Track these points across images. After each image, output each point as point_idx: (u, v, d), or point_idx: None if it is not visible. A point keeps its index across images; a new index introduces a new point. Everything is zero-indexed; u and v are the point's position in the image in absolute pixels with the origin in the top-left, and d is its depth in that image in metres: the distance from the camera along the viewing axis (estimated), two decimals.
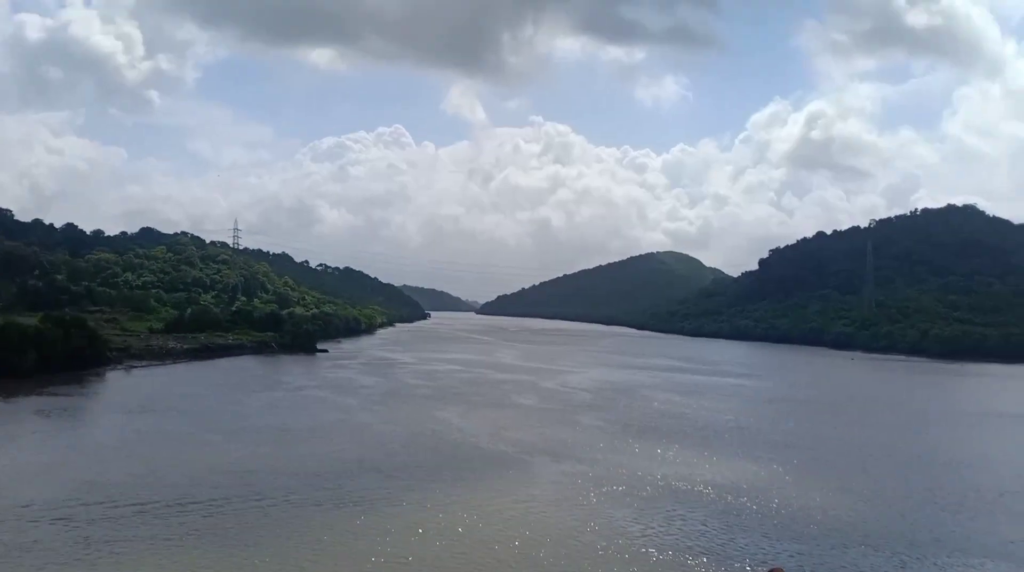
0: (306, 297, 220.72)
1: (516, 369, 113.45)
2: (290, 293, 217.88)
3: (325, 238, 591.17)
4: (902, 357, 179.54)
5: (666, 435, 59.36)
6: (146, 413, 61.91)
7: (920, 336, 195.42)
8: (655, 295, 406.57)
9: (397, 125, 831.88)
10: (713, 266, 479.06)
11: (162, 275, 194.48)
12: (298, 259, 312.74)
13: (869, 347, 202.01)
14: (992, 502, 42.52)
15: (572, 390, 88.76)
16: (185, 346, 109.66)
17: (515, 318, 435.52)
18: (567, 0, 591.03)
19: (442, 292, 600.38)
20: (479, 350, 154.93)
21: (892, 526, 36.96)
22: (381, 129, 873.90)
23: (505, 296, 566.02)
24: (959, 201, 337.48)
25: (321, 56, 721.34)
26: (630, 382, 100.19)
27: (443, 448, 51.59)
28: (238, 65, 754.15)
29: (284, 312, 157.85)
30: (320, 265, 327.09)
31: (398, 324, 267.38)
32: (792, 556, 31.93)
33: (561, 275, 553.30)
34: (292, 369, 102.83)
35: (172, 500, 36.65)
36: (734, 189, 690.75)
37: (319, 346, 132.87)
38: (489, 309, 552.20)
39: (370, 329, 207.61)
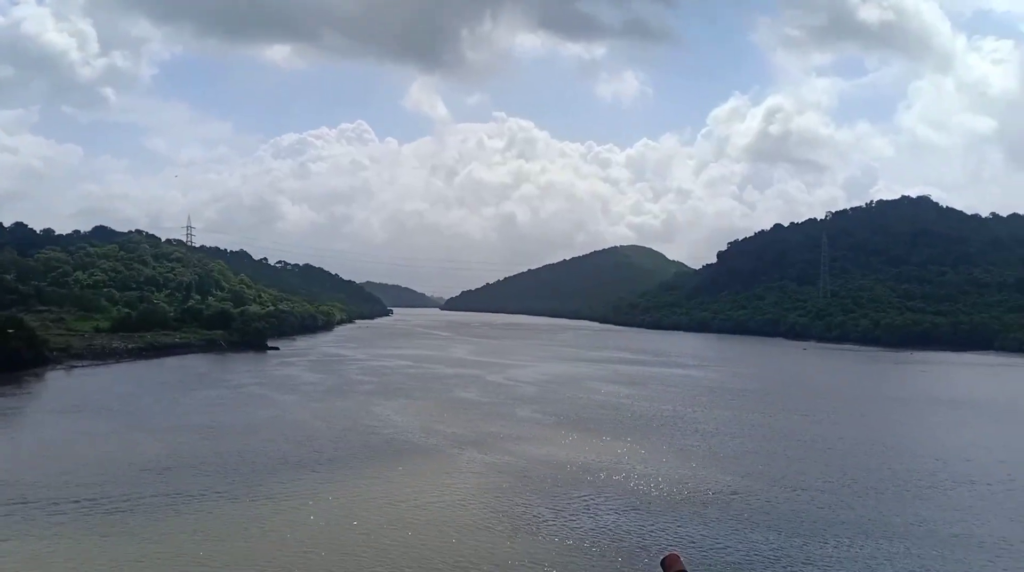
0: (262, 295, 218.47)
1: (467, 364, 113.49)
2: (245, 291, 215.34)
3: (287, 235, 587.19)
4: (853, 347, 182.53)
5: (600, 426, 59.87)
6: (77, 413, 61.08)
7: (872, 326, 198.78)
8: (619, 289, 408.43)
9: (360, 121, 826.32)
10: (676, 259, 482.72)
11: (114, 274, 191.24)
12: (259, 256, 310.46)
13: (823, 337, 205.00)
14: (905, 486, 43.42)
15: (517, 384, 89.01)
16: (130, 345, 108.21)
17: (479, 313, 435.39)
18: None
19: (406, 288, 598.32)
20: (434, 346, 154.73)
21: (801, 510, 37.65)
22: (344, 125, 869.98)
23: (470, 291, 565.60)
24: (915, 192, 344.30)
25: (278, 53, 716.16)
26: (577, 375, 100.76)
27: (373, 442, 51.58)
28: (195, 62, 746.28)
29: (237, 310, 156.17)
30: (279, 262, 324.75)
31: (358, 321, 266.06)
32: (694, 540, 32.43)
33: (526, 270, 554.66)
34: (237, 367, 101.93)
35: (84, 497, 36.38)
36: (697, 183, 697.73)
37: (270, 344, 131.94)
38: (454, 305, 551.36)
39: (328, 326, 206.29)
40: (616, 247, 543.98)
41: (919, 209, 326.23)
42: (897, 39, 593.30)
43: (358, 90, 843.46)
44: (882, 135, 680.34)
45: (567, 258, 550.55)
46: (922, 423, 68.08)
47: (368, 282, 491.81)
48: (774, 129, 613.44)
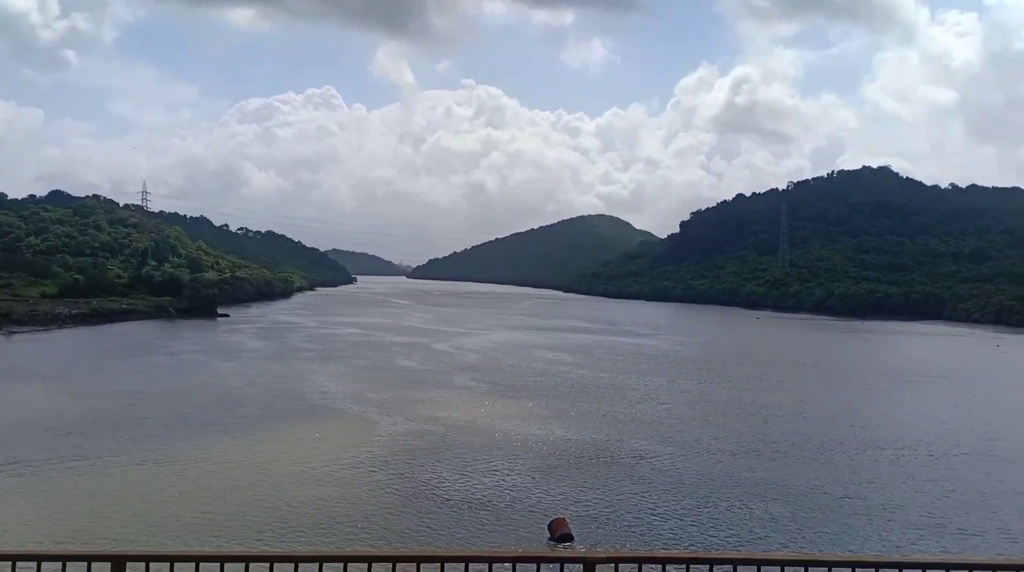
0: (220, 261, 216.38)
1: (418, 332, 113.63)
2: (203, 257, 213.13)
3: (253, 201, 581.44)
4: (807, 316, 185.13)
5: (532, 394, 60.43)
6: (3, 379, 60.47)
7: (826, 295, 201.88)
8: (585, 258, 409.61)
9: (328, 86, 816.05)
10: (644, 229, 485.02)
11: (68, 239, 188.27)
12: (224, 223, 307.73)
13: (779, 306, 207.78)
14: (812, 451, 44.45)
15: (463, 352, 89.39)
16: (74, 312, 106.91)
17: (445, 282, 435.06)
18: None
19: (374, 256, 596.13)
20: (390, 314, 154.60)
21: (704, 473, 38.45)
22: (311, 90, 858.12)
23: (437, 260, 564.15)
24: (881, 163, 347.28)
25: (241, 16, 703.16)
26: (524, 343, 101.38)
27: (299, 408, 51.72)
28: (158, 25, 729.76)
29: (190, 277, 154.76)
30: (241, 229, 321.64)
31: (320, 289, 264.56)
32: (589, 503, 32.95)
33: (493, 239, 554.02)
34: (183, 334, 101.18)
35: None
36: (666, 153, 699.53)
37: (221, 311, 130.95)
38: (421, 273, 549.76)
39: (286, 294, 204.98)
40: (584, 216, 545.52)
41: (880, 180, 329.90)
42: (861, 10, 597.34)
43: (325, 55, 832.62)
44: (847, 106, 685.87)
45: (535, 227, 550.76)
46: (848, 391, 69.45)
47: (335, 250, 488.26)
48: (740, 100, 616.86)
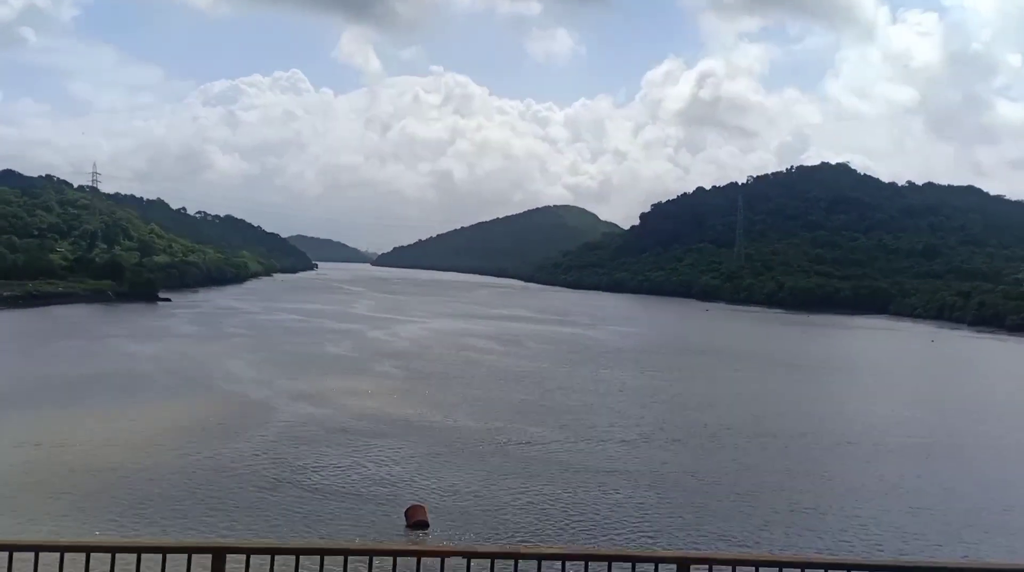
0: (173, 245, 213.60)
1: (359, 319, 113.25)
2: (155, 241, 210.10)
3: (217, 185, 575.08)
4: (757, 309, 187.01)
5: (446, 381, 60.62)
6: None
7: (777, 288, 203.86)
8: (549, 248, 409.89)
9: (295, 69, 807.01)
10: (609, 220, 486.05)
11: (14, 220, 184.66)
12: (186, 206, 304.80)
13: (732, 299, 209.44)
14: (700, 439, 45.02)
15: (396, 339, 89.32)
16: (6, 294, 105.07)
17: (408, 270, 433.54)
18: None
19: (339, 243, 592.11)
20: (339, 301, 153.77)
21: (581, 460, 38.72)
22: (278, 73, 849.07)
23: (402, 247, 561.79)
24: (844, 159, 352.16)
25: None
26: (463, 331, 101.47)
27: (201, 392, 51.36)
28: (119, 4, 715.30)
29: (138, 261, 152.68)
30: (199, 213, 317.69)
31: (277, 275, 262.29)
32: (457, 492, 33.02)
33: (459, 227, 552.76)
34: (116, 318, 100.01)
35: None
36: (634, 144, 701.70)
37: (163, 295, 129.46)
38: (385, 261, 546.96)
39: (239, 279, 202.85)
40: (549, 207, 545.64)
41: (838, 176, 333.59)
42: (821, 7, 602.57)
43: (291, 38, 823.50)
44: (810, 103, 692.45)
45: (500, 216, 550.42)
46: (761, 381, 70.42)
47: (299, 236, 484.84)
48: (705, 94, 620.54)
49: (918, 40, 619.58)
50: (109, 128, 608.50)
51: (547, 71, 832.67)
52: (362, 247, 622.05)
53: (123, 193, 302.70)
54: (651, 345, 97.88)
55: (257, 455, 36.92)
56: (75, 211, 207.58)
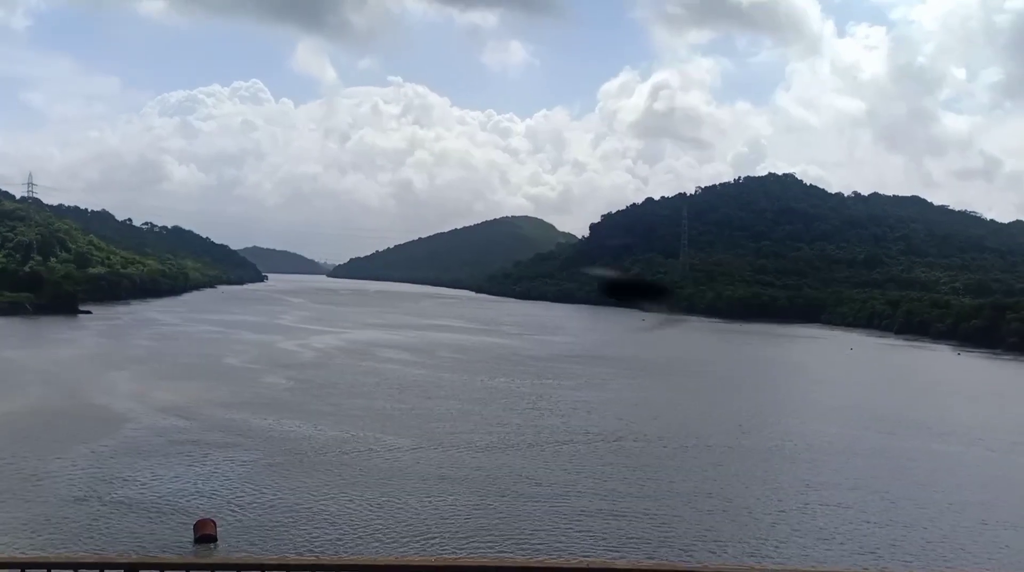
0: (111, 257, 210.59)
1: (279, 330, 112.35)
2: (93, 252, 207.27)
3: (174, 195, 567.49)
4: (696, 318, 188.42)
5: (325, 391, 60.36)
6: None
7: (716, 298, 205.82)
8: (505, 259, 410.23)
9: (255, 80, 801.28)
10: (567, 231, 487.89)
11: None
12: (142, 218, 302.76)
13: (673, 308, 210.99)
14: (563, 442, 45.37)
15: (305, 350, 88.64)
16: None
17: (362, 281, 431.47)
18: None
19: (296, 254, 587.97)
20: (270, 312, 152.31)
21: (429, 467, 38.78)
22: (238, 83, 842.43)
23: (358, 259, 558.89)
24: (799, 170, 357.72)
25: (152, 7, 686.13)
26: (379, 342, 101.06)
27: (59, 407, 50.51)
28: (74, 15, 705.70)
29: (70, 272, 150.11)
30: (146, 224, 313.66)
31: (222, 286, 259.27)
32: (260, 505, 32.83)
33: (416, 238, 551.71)
34: (22, 331, 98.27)
35: None
36: (593, 155, 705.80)
37: (86, 308, 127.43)
38: (341, 272, 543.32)
39: (176, 290, 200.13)
40: (507, 217, 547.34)
41: (785, 186, 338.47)
42: (768, 21, 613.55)
43: (248, 49, 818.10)
44: (762, 115, 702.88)
45: (458, 227, 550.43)
46: (649, 388, 71.15)
47: (254, 247, 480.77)
48: (659, 106, 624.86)
49: (866, 53, 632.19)
50: (64, 138, 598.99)
51: (506, 82, 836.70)
52: (319, 258, 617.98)
53: (68, 205, 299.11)
54: (563, 354, 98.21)
55: (78, 468, 36.42)
56: (11, 223, 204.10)
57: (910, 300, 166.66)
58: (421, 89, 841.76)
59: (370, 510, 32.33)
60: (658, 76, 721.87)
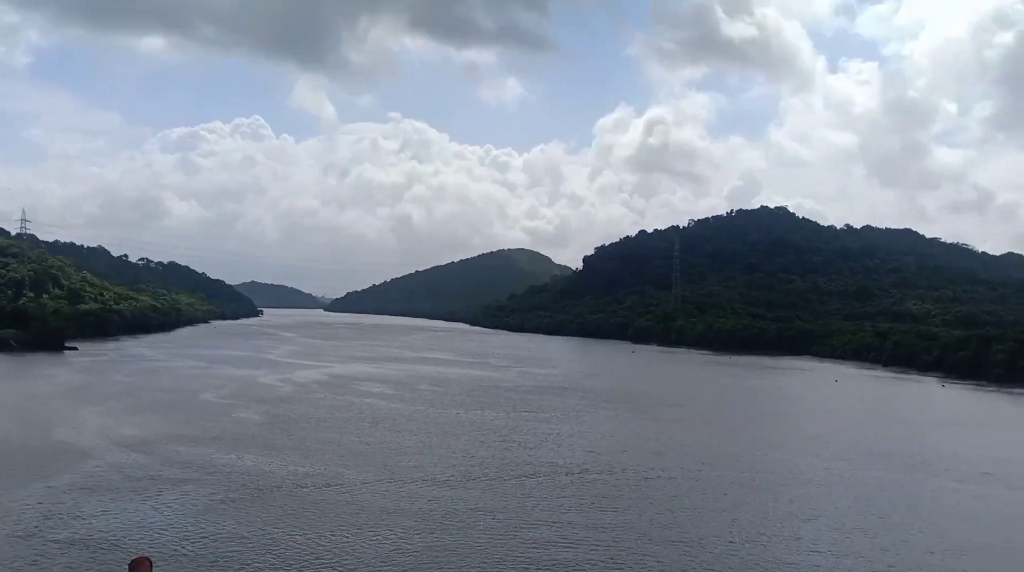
0: (104, 293, 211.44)
1: (264, 364, 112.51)
2: (86, 288, 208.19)
3: (172, 232, 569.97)
4: (686, 350, 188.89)
5: (293, 426, 60.25)
6: None
7: (706, 330, 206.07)
8: (501, 292, 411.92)
9: (256, 116, 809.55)
10: (563, 263, 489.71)
11: None
12: (142, 254, 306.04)
13: (663, 341, 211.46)
14: (523, 477, 45.34)
15: (285, 385, 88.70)
16: None
17: (359, 315, 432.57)
18: None
19: (294, 289, 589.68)
20: (258, 346, 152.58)
21: (379, 501, 38.79)
22: (239, 119, 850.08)
23: (355, 293, 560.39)
24: (794, 204, 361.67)
25: (152, 44, 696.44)
26: (363, 375, 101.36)
27: (20, 442, 50.62)
28: (74, 51, 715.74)
29: (59, 308, 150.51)
30: (141, 260, 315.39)
31: (215, 321, 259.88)
32: (194, 538, 32.90)
33: (413, 271, 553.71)
34: (6, 368, 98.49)
35: None
36: (590, 189, 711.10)
37: (72, 344, 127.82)
38: (338, 306, 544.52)
39: (168, 326, 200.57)
40: (503, 250, 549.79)
41: (778, 219, 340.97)
42: (760, 56, 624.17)
43: (248, 86, 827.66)
44: (756, 149, 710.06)
45: (455, 260, 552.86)
46: (635, 420, 71.07)
47: (252, 282, 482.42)
48: (654, 141, 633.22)
49: (858, 88, 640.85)
50: (64, 174, 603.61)
51: (504, 117, 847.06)
52: (317, 293, 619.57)
53: (64, 241, 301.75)
54: (544, 385, 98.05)
55: (30, 504, 36.44)
56: (4, 259, 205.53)
57: (898, 332, 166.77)
58: (419, 125, 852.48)
59: (318, 545, 32.34)
60: (653, 112, 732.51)
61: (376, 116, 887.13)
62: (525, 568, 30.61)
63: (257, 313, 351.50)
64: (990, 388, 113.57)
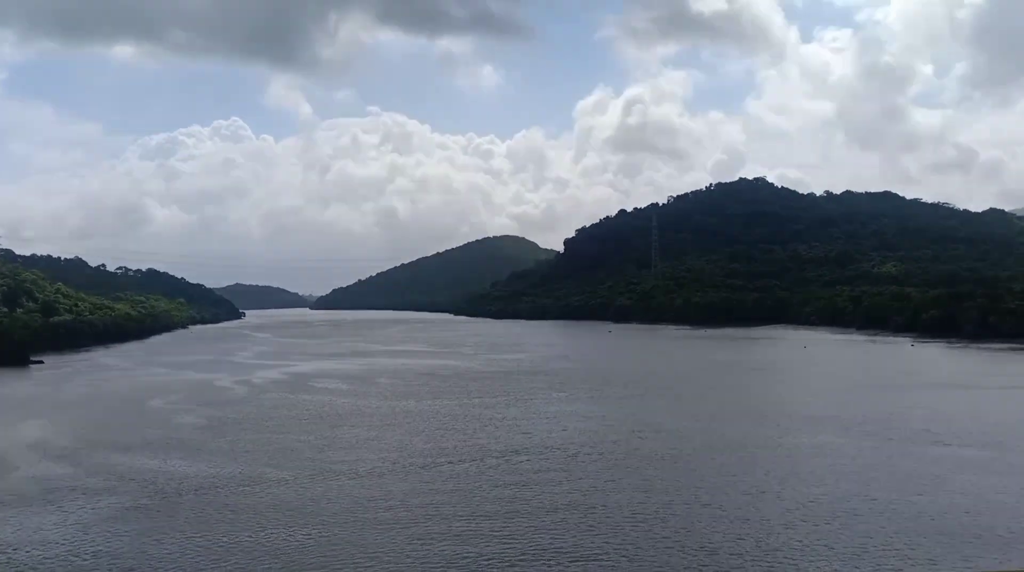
0: (79, 304, 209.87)
1: (226, 367, 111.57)
2: (60, 300, 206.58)
3: (156, 238, 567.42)
4: (664, 326, 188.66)
5: (234, 428, 59.54)
6: None
7: (684, 304, 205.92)
8: (487, 279, 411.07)
9: (235, 118, 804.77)
10: (549, 247, 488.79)
11: None
12: (124, 262, 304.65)
13: (643, 318, 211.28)
14: (451, 464, 44.74)
15: (238, 387, 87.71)
16: None
17: (342, 312, 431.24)
18: None
19: (279, 289, 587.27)
20: (228, 350, 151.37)
21: (299, 499, 38.17)
22: (218, 122, 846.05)
23: (341, 289, 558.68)
24: (777, 174, 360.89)
25: (123, 51, 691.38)
26: (324, 372, 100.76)
27: None
28: (49, 65, 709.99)
29: (27, 321, 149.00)
30: (120, 268, 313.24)
31: (194, 326, 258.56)
32: (87, 551, 32.30)
33: (399, 264, 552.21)
34: None
35: None
36: (574, 172, 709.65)
37: (36, 357, 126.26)
38: (324, 303, 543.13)
39: (143, 334, 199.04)
40: (490, 238, 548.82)
41: (756, 190, 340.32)
42: (732, 29, 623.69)
43: (222, 89, 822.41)
44: (735, 123, 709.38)
45: (441, 250, 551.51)
46: (585, 399, 70.58)
47: (237, 284, 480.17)
48: (633, 120, 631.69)
49: (833, 56, 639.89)
50: (47, 186, 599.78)
51: (484, 105, 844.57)
52: (303, 291, 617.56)
53: (40, 254, 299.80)
54: (508, 371, 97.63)
55: None
56: None
57: (871, 295, 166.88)
58: (399, 117, 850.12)
59: (223, 548, 31.75)
60: (631, 91, 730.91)
61: (355, 111, 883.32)
62: (421, 561, 29.97)
63: (239, 315, 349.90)
64: (958, 345, 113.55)
